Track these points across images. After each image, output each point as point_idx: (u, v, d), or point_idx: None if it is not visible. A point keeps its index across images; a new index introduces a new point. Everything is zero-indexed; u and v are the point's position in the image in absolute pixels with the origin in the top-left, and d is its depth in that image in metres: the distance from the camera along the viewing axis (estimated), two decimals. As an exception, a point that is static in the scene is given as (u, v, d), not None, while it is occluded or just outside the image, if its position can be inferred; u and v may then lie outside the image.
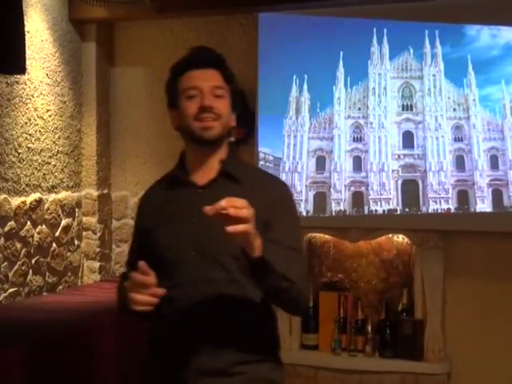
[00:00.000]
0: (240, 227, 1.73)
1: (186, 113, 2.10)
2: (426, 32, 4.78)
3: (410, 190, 4.84)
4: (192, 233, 2.07)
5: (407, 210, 4.83)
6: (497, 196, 4.67)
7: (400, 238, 5.01)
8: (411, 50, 4.86)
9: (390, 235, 4.98)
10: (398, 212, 4.83)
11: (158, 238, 2.13)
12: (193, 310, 2.03)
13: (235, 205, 1.74)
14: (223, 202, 1.72)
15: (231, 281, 2.03)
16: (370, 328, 4.90)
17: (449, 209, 4.75)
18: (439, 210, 4.77)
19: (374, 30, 4.88)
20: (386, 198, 4.84)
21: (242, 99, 2.08)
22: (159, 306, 1.97)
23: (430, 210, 4.77)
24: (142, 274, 1.90)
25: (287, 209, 2.17)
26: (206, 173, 2.14)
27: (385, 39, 4.88)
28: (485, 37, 4.69)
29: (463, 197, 4.73)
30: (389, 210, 4.83)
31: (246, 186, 2.10)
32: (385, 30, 4.86)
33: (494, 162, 4.70)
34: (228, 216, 1.72)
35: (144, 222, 2.24)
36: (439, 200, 4.77)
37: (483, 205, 4.69)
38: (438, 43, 4.77)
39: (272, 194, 2.12)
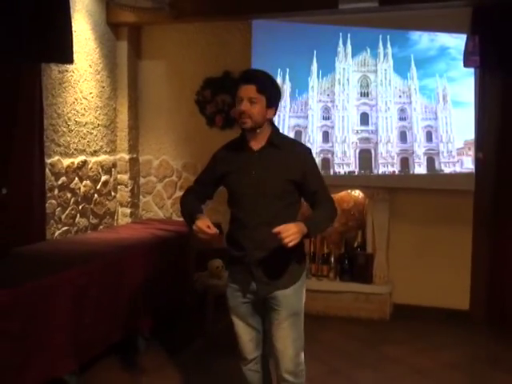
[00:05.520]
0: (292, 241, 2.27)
1: (235, 113, 2.55)
2: (380, 36, 4.77)
3: (365, 156, 4.86)
4: (252, 180, 2.50)
5: (363, 171, 4.86)
6: (430, 162, 4.71)
7: (357, 193, 5.05)
8: (368, 50, 4.84)
9: (349, 191, 5.03)
10: (356, 173, 4.87)
11: (231, 180, 2.56)
12: (252, 223, 2.49)
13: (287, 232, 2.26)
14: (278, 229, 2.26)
15: (275, 207, 2.48)
16: (332, 259, 4.98)
17: (394, 171, 4.79)
18: (386, 172, 4.80)
19: (340, 34, 4.85)
20: (347, 162, 4.87)
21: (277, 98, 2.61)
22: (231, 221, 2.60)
23: (379, 172, 4.81)
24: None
25: (313, 163, 2.62)
26: (259, 142, 2.53)
27: (348, 41, 4.85)
28: (425, 40, 4.68)
29: (405, 162, 4.77)
30: (349, 172, 4.86)
31: (284, 150, 2.52)
32: (348, 35, 4.84)
33: (428, 137, 4.73)
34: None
35: (220, 167, 2.59)
36: (387, 164, 4.80)
37: (420, 168, 4.73)
38: (389, 45, 4.76)
39: (302, 154, 2.56)
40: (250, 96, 2.44)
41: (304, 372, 2.60)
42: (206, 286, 4.08)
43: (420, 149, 4.72)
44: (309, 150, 2.62)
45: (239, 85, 2.48)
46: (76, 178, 4.77)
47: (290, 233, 2.24)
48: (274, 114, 2.57)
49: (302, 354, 2.58)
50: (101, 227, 5.17)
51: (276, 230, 2.24)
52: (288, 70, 4.96)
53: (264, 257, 2.47)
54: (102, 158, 5.21)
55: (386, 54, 4.77)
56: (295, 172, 2.48)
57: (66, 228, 4.67)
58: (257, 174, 2.48)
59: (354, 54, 4.86)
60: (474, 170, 4.59)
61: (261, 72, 2.53)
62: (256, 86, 2.44)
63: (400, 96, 4.78)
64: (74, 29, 4.42)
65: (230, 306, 2.64)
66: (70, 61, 4.25)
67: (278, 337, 2.52)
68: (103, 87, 5.18)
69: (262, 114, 2.47)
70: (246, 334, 2.62)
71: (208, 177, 2.67)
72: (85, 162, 4.90)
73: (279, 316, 2.52)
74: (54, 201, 4.49)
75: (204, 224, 2.38)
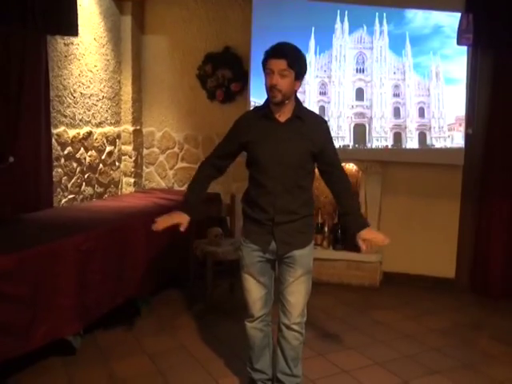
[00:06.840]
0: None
1: (266, 85, 2.50)
2: (377, 14, 4.64)
3: (360, 131, 4.78)
4: (277, 150, 2.51)
5: (357, 145, 4.79)
6: (422, 137, 4.64)
7: (351, 166, 4.99)
8: (365, 27, 4.72)
9: (344, 163, 4.92)
10: (350, 147, 4.79)
11: (256, 149, 2.54)
12: (276, 190, 2.53)
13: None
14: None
15: (297, 176, 2.54)
16: (326, 229, 4.95)
17: (387, 145, 4.72)
18: (380, 146, 4.73)
19: (338, 11, 4.71)
20: (342, 136, 4.79)
21: (304, 68, 2.53)
22: (256, 190, 2.59)
23: (373, 146, 4.74)
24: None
25: (330, 134, 2.66)
26: (284, 114, 2.54)
27: (346, 18, 4.72)
28: (419, 18, 4.56)
29: (398, 137, 4.70)
30: (344, 146, 4.78)
31: (308, 122, 2.55)
32: (346, 12, 4.71)
33: (421, 113, 4.65)
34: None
35: (245, 134, 2.57)
36: (380, 139, 4.73)
37: (412, 143, 4.66)
38: (384, 22, 4.64)
39: (323, 127, 2.62)
40: (281, 69, 2.43)
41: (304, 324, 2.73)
42: (205, 253, 4.05)
43: (412, 124, 4.64)
44: (326, 121, 2.69)
45: (269, 58, 2.45)
46: (81, 149, 4.69)
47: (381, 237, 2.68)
48: (300, 86, 2.56)
49: (305, 308, 2.70)
50: (105, 196, 5.11)
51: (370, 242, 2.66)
52: (287, 45, 4.83)
53: (284, 220, 2.56)
54: (107, 129, 5.11)
55: (381, 32, 4.65)
56: (317, 144, 2.54)
57: (72, 196, 4.61)
58: (284, 145, 2.50)
59: (350, 31, 4.73)
60: (463, 146, 4.52)
61: (291, 46, 2.49)
62: (287, 61, 2.43)
63: (394, 72, 4.68)
64: (79, 2, 4.29)
65: (244, 264, 2.66)
66: (75, 33, 4.14)
67: (291, 291, 2.62)
68: (108, 60, 5.05)
69: (291, 87, 2.47)
70: (256, 292, 2.65)
71: (230, 145, 2.65)
72: (90, 133, 4.81)
73: (295, 274, 2.61)
74: (60, 170, 4.42)
75: (165, 222, 2.61)
